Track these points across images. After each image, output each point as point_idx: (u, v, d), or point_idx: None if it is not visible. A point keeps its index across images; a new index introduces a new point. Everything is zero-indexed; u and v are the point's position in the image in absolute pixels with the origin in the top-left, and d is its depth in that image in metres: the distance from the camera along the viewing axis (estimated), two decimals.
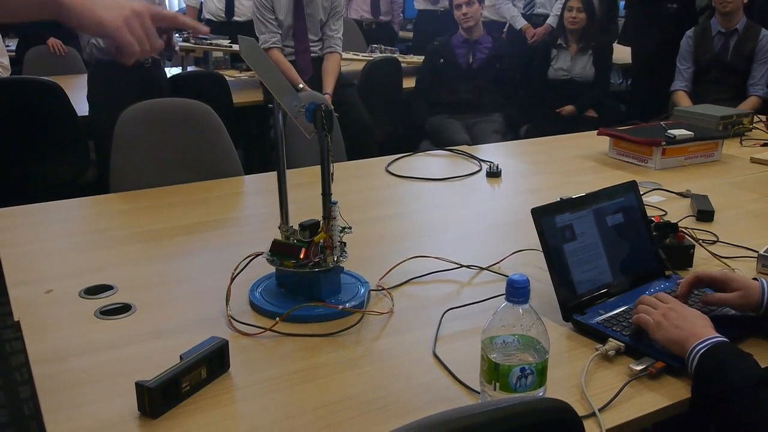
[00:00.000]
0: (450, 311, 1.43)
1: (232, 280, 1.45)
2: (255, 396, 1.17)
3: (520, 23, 5.68)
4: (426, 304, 1.48)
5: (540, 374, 1.08)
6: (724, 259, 1.69)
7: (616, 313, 1.38)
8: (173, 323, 1.39)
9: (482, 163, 2.53)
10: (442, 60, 4.60)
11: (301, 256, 1.41)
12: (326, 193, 1.40)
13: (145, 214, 2.03)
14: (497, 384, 1.07)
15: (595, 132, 2.78)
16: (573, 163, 2.60)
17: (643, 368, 1.21)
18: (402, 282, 1.57)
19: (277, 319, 1.36)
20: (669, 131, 2.55)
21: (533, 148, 2.96)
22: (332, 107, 1.42)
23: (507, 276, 1.09)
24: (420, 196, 2.24)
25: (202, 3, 6.32)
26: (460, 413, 0.80)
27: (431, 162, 2.66)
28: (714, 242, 1.80)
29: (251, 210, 2.20)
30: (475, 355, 1.12)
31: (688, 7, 5.09)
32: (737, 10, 4.21)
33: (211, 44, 5.12)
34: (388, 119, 4.69)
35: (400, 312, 1.45)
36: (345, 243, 1.46)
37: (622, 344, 1.27)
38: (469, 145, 3.33)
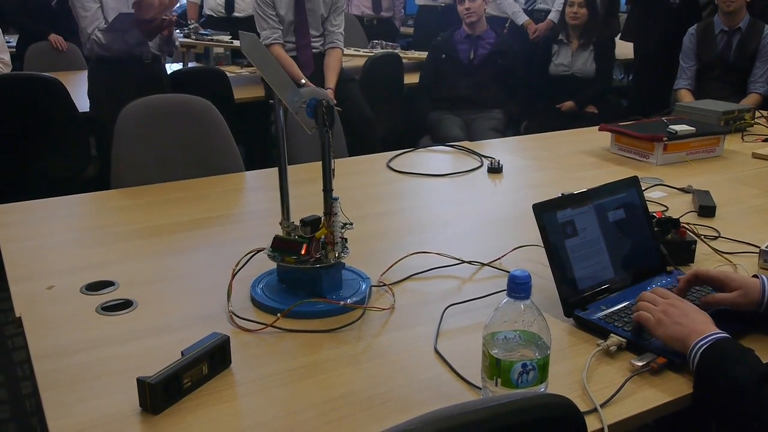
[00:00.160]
0: (451, 307, 1.43)
1: (234, 276, 1.45)
2: (256, 392, 1.17)
3: (522, 19, 5.67)
4: (427, 300, 1.48)
5: (541, 370, 1.08)
6: (725, 255, 1.69)
7: (618, 309, 1.38)
8: (174, 319, 1.39)
9: (483, 159, 2.52)
10: (443, 55, 4.60)
11: (303, 252, 1.41)
12: (327, 189, 1.40)
13: (147, 210, 2.03)
14: (499, 380, 1.07)
15: (597, 128, 2.77)
16: (574, 159, 2.59)
17: (645, 364, 1.21)
18: (403, 278, 1.57)
19: (279, 315, 1.36)
20: (670, 127, 2.55)
21: (534, 144, 2.96)
22: (334, 103, 1.42)
23: (508, 272, 1.09)
24: (421, 192, 2.24)
25: None
26: (461, 409, 0.80)
27: (432, 158, 2.65)
28: (716, 238, 1.80)
29: (252, 206, 2.20)
30: (476, 351, 1.12)
31: (690, 2, 5.08)
32: (740, 8, 4.20)
33: (212, 40, 5.11)
34: (390, 115, 4.68)
35: (401, 308, 1.45)
36: (346, 239, 1.46)
37: (624, 340, 1.27)
38: (464, 140, 3.34)
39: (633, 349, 1.27)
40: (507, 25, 5.84)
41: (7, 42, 4.50)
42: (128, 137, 2.35)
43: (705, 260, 1.66)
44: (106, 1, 3.47)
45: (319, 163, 1.40)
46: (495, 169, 2.40)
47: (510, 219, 1.98)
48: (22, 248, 1.74)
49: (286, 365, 1.24)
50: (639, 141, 2.54)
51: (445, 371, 1.23)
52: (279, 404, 1.13)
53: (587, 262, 1.43)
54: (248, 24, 4.76)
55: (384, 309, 1.44)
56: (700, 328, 1.20)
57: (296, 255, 1.42)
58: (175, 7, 3.66)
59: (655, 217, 1.65)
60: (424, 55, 5.03)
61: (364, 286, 1.49)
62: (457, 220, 1.97)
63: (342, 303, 1.41)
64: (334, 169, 1.40)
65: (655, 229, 1.61)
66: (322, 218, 1.43)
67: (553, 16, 5.53)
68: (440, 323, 1.38)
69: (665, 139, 2.47)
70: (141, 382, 1.09)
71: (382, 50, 5.32)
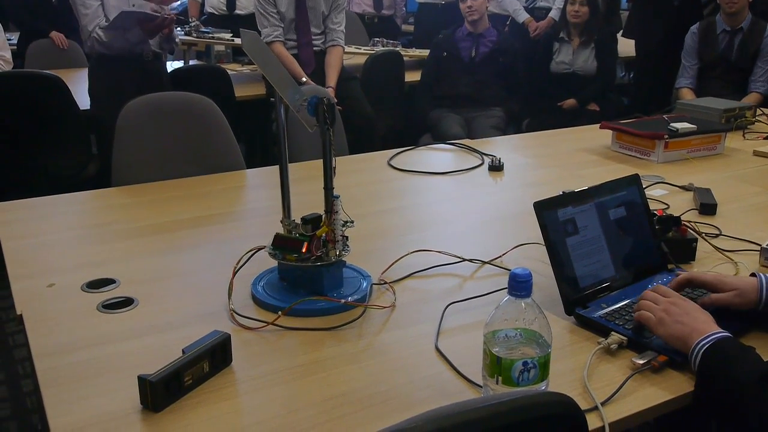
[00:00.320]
0: (452, 305, 1.43)
1: (235, 274, 1.45)
2: (257, 390, 1.17)
3: (523, 16, 5.67)
4: (428, 298, 1.48)
5: (542, 368, 1.08)
6: (726, 253, 1.69)
7: (619, 307, 1.38)
8: (175, 317, 1.39)
9: (484, 157, 2.52)
10: (445, 53, 4.59)
11: (304, 250, 1.41)
12: (328, 187, 1.40)
13: (148, 208, 2.03)
14: (499, 378, 1.07)
15: (598, 125, 2.77)
16: (575, 157, 2.59)
17: (646, 362, 1.21)
18: (404, 276, 1.57)
19: (280, 313, 1.36)
20: (671, 124, 2.54)
21: (535, 142, 2.96)
22: (335, 101, 1.42)
23: (509, 270, 1.09)
24: (422, 190, 2.24)
25: None
26: (462, 407, 0.80)
27: (433, 156, 2.65)
28: (717, 236, 1.80)
29: (253, 204, 2.20)
30: (477, 349, 1.12)
31: (691, 0, 5.07)
32: (743, 9, 4.19)
33: (213, 38, 5.11)
34: (391, 113, 4.68)
35: (402, 306, 1.45)
36: (347, 237, 1.46)
37: (625, 338, 1.27)
38: (464, 138, 3.33)
39: (634, 347, 1.27)
40: (508, 23, 5.84)
41: (8, 39, 4.50)
42: (129, 135, 2.35)
43: (706, 258, 1.66)
44: None
45: (320, 161, 1.40)
46: (496, 167, 2.40)
47: (511, 217, 1.98)
48: (23, 246, 1.74)
49: (287, 363, 1.24)
50: (640, 139, 2.54)
51: (446, 369, 1.23)
52: (280, 402, 1.13)
53: (588, 260, 1.43)
54: (249, 22, 4.75)
55: (385, 307, 1.44)
56: (702, 327, 1.19)
57: (297, 253, 1.42)
58: (176, 4, 3.65)
59: (656, 215, 1.65)
60: (425, 52, 5.02)
61: (364, 284, 1.49)
62: (458, 218, 1.97)
63: (343, 301, 1.41)
64: (335, 167, 1.40)
65: (656, 227, 1.61)
66: (323, 216, 1.43)
67: (553, 14, 5.53)
68: (441, 321, 1.38)
69: (666, 136, 2.47)
70: (142, 380, 1.09)
71: (383, 48, 5.32)
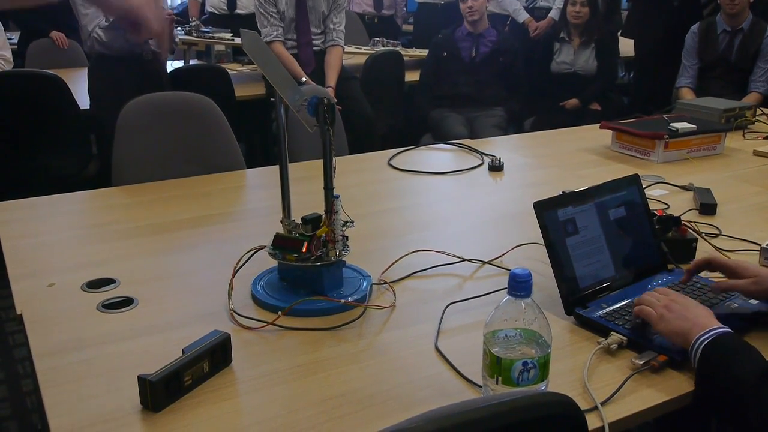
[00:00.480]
0: (452, 305, 1.43)
1: (235, 273, 1.45)
2: (257, 390, 1.17)
3: (523, 16, 5.67)
4: (428, 298, 1.48)
5: (542, 368, 1.08)
6: (726, 253, 1.69)
7: (619, 307, 1.38)
8: (175, 317, 1.39)
9: (484, 157, 2.52)
10: (445, 53, 4.59)
11: (303, 250, 1.41)
12: (328, 187, 1.40)
13: (148, 207, 2.03)
14: (499, 378, 1.07)
15: (597, 125, 2.77)
16: (575, 157, 2.59)
17: (646, 362, 1.21)
18: (404, 276, 1.57)
19: (280, 313, 1.36)
20: (671, 124, 2.54)
21: (535, 142, 2.96)
22: (335, 101, 1.42)
23: (509, 270, 1.09)
24: (422, 190, 2.24)
25: None
26: (462, 407, 0.80)
27: (433, 156, 2.65)
28: (717, 235, 1.80)
29: (253, 204, 2.20)
30: (477, 349, 1.12)
31: (690, 0, 5.07)
32: (743, 9, 4.19)
33: (213, 38, 5.10)
34: (391, 113, 4.68)
35: (402, 306, 1.45)
36: (347, 237, 1.46)
37: (625, 338, 1.27)
38: (467, 138, 3.33)
39: (634, 347, 1.27)
40: (508, 22, 5.83)
41: (9, 39, 4.50)
42: (129, 135, 2.35)
43: None
44: None
45: (320, 161, 1.40)
46: (496, 167, 2.40)
47: (511, 217, 1.98)
48: (23, 245, 1.74)
49: (287, 363, 1.24)
50: (640, 139, 2.54)
51: (446, 369, 1.23)
52: (280, 402, 1.13)
53: (588, 260, 1.43)
54: (250, 21, 4.75)
55: (385, 307, 1.44)
56: (702, 322, 1.19)
57: (297, 253, 1.42)
58: (176, 4, 3.66)
59: (656, 214, 1.65)
60: (425, 52, 5.01)
61: (364, 284, 1.49)
62: (458, 218, 1.97)
63: (343, 301, 1.41)
64: (335, 167, 1.40)
65: (656, 227, 1.61)
66: (323, 216, 1.43)
67: (553, 14, 5.52)
68: (441, 321, 1.38)
69: (666, 136, 2.47)
70: (142, 380, 1.09)
71: (383, 48, 5.32)
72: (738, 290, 1.35)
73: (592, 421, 1.08)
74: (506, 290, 1.08)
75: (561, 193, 1.54)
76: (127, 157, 2.33)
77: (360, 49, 5.34)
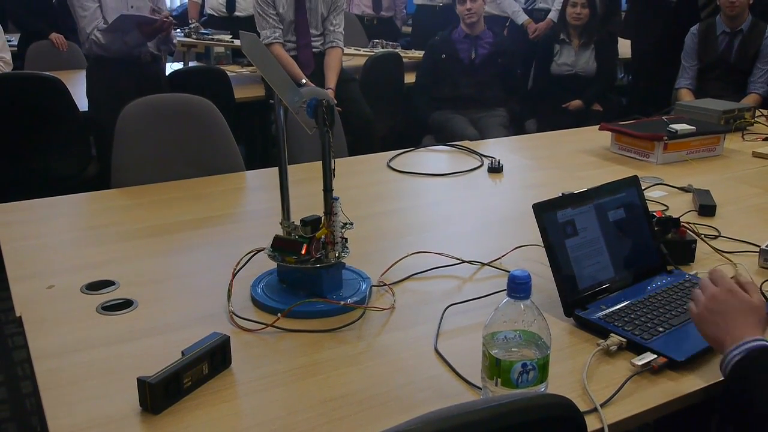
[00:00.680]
0: (451, 307, 1.43)
1: (234, 275, 1.45)
2: (256, 392, 1.17)
3: (522, 18, 5.67)
4: (427, 300, 1.48)
5: (541, 370, 1.08)
6: (725, 254, 1.69)
7: (618, 309, 1.38)
8: (175, 319, 1.39)
9: (484, 159, 2.52)
10: (444, 55, 4.59)
11: (303, 251, 1.41)
12: (328, 189, 1.40)
13: (147, 209, 2.03)
14: (499, 380, 1.07)
15: (597, 127, 2.77)
16: (574, 159, 2.59)
17: (645, 363, 1.21)
18: (403, 278, 1.57)
19: (279, 314, 1.36)
20: (671, 126, 2.55)
21: (534, 144, 2.96)
22: (335, 102, 1.42)
23: (508, 271, 1.09)
24: (421, 192, 2.24)
25: None
26: (461, 409, 0.80)
27: (433, 157, 2.65)
28: (716, 237, 1.80)
29: (253, 206, 2.20)
30: (476, 351, 1.12)
31: (688, 1, 5.07)
32: (743, 11, 4.20)
33: (212, 39, 5.11)
34: (390, 114, 4.68)
35: (401, 308, 1.45)
36: (346, 239, 1.46)
37: (624, 339, 1.27)
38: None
39: (633, 348, 1.27)
40: (507, 24, 5.84)
41: (8, 41, 4.50)
42: (129, 137, 2.35)
43: (705, 259, 1.67)
44: (106, 1, 3.48)
45: (320, 163, 1.40)
46: (495, 169, 2.40)
47: (510, 218, 1.98)
48: (22, 247, 1.74)
49: (287, 365, 1.24)
50: (639, 140, 2.54)
51: (445, 371, 1.23)
52: (279, 404, 1.13)
53: (587, 261, 1.43)
54: (249, 23, 4.75)
55: (384, 309, 1.44)
56: (738, 333, 1.10)
57: (296, 255, 1.42)
58: (176, 5, 3.67)
59: (656, 216, 1.65)
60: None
61: (364, 286, 1.49)
62: (458, 220, 1.97)
63: (342, 303, 1.41)
64: (334, 169, 1.40)
65: (656, 228, 1.61)
66: (323, 218, 1.43)
67: (552, 16, 5.52)
68: (440, 323, 1.38)
69: (665, 138, 2.47)
70: (141, 382, 1.09)
71: (382, 50, 5.32)
72: None
73: (592, 422, 1.08)
74: (506, 292, 1.08)
75: (560, 194, 1.54)
76: (126, 159, 2.33)
77: (359, 50, 5.34)
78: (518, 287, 1.06)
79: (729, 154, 2.64)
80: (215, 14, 5.99)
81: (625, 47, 5.48)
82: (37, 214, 1.98)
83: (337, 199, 1.41)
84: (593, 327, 1.34)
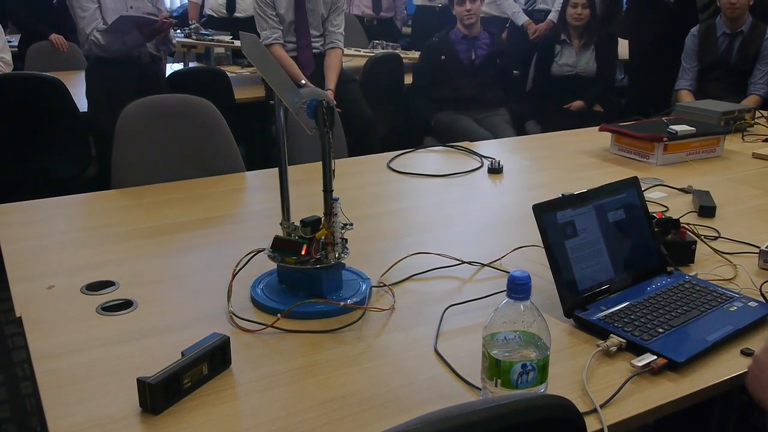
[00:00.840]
0: (451, 308, 1.43)
1: (234, 276, 1.45)
2: (256, 392, 1.17)
3: (522, 19, 5.67)
4: (427, 301, 1.48)
5: (541, 371, 1.08)
6: (725, 255, 1.69)
7: (618, 310, 1.38)
8: (175, 319, 1.39)
9: (484, 160, 2.53)
10: (443, 57, 4.59)
11: (303, 252, 1.41)
12: (328, 190, 1.40)
13: (147, 210, 2.03)
14: (498, 380, 1.07)
15: (597, 128, 2.77)
16: (574, 160, 2.60)
17: (645, 364, 1.21)
18: (403, 278, 1.57)
19: (279, 315, 1.36)
20: (670, 127, 2.55)
21: (534, 144, 2.96)
22: (335, 103, 1.43)
23: (508, 272, 1.09)
24: (421, 193, 2.24)
25: None
26: (461, 410, 0.80)
27: (433, 158, 2.65)
28: (716, 238, 1.80)
29: (253, 206, 2.20)
30: (476, 352, 1.12)
31: (685, 2, 5.07)
32: (744, 12, 4.20)
33: (212, 40, 5.11)
34: (390, 115, 4.68)
35: (401, 308, 1.45)
36: (346, 239, 1.46)
37: (624, 340, 1.27)
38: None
39: (633, 349, 1.27)
40: (507, 25, 5.84)
41: (8, 41, 4.51)
42: (129, 137, 2.35)
43: (705, 261, 1.66)
44: (105, 1, 3.48)
45: (320, 164, 1.40)
46: (495, 170, 2.40)
47: (510, 219, 1.98)
48: (22, 248, 1.74)
49: (286, 366, 1.24)
50: (639, 141, 2.54)
51: (445, 372, 1.23)
52: (279, 405, 1.13)
53: (587, 262, 1.43)
54: (249, 24, 4.76)
55: (384, 309, 1.44)
56: None
57: (296, 255, 1.42)
58: (176, 6, 3.68)
59: (655, 217, 1.65)
60: None
61: (364, 287, 1.49)
62: (458, 221, 1.97)
63: (342, 303, 1.41)
64: (334, 170, 1.40)
65: (655, 229, 1.61)
66: (323, 219, 1.43)
67: (553, 17, 5.53)
68: (440, 324, 1.38)
69: (665, 139, 2.47)
70: (141, 383, 1.09)
71: (382, 50, 5.32)
72: None
73: (592, 423, 1.08)
74: (505, 293, 1.08)
75: (560, 195, 1.54)
76: (126, 159, 2.33)
77: (359, 51, 5.34)
78: (518, 288, 1.06)
79: (729, 155, 2.64)
80: (215, 15, 6.00)
81: (623, 48, 5.48)
82: (37, 215, 1.98)
83: (337, 199, 1.41)
84: (593, 328, 1.34)
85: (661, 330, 1.31)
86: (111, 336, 1.33)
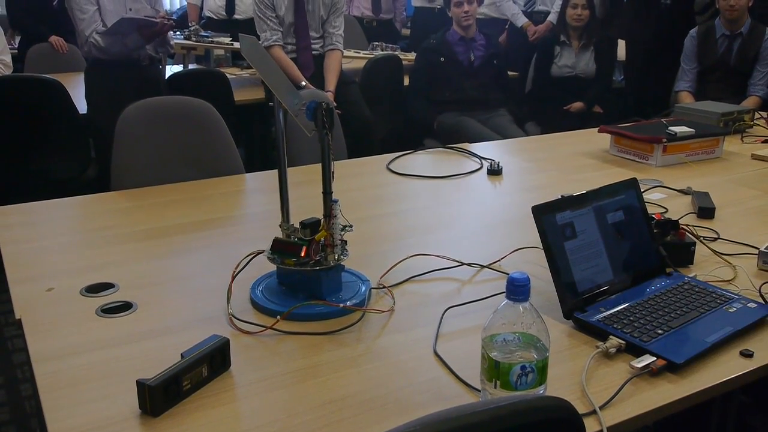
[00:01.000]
0: (451, 309, 1.44)
1: (233, 278, 1.45)
2: (256, 394, 1.17)
3: (521, 21, 5.67)
4: (427, 302, 1.48)
5: (540, 372, 1.08)
6: (724, 256, 1.69)
7: (617, 311, 1.38)
8: (174, 321, 1.39)
9: (483, 161, 2.53)
10: (442, 58, 4.59)
11: (302, 254, 1.41)
12: (327, 191, 1.40)
13: (147, 212, 2.03)
14: (498, 382, 1.07)
15: (596, 129, 2.78)
16: (574, 161, 2.60)
17: (644, 366, 1.21)
18: (403, 280, 1.57)
19: (278, 317, 1.36)
20: (670, 128, 2.55)
21: (534, 146, 2.96)
22: (334, 105, 1.43)
23: (507, 274, 1.09)
24: (421, 194, 2.24)
25: (202, 0, 6.31)
26: (460, 411, 0.80)
27: (432, 160, 2.65)
28: (715, 239, 1.80)
29: (252, 208, 2.20)
30: (475, 353, 1.12)
31: (682, 3, 5.08)
32: (743, 14, 4.20)
33: (212, 42, 5.12)
34: (390, 117, 4.69)
35: (400, 310, 1.45)
36: (346, 241, 1.46)
37: (623, 342, 1.27)
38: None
39: (632, 350, 1.27)
40: (507, 27, 5.84)
41: (8, 44, 4.51)
42: (128, 139, 2.36)
43: (704, 262, 1.67)
44: (104, 3, 3.48)
45: (319, 165, 1.40)
46: (494, 171, 2.40)
47: (509, 221, 1.98)
48: (22, 250, 1.74)
49: (286, 367, 1.24)
50: (638, 143, 2.54)
51: (445, 373, 1.23)
52: (279, 406, 1.13)
53: (586, 264, 1.43)
54: (248, 26, 4.76)
55: (383, 311, 1.44)
56: None
57: (296, 257, 1.42)
58: (175, 8, 3.69)
59: (655, 218, 1.65)
60: None
61: (363, 289, 1.49)
62: (457, 222, 1.98)
63: (341, 305, 1.41)
64: (333, 172, 1.40)
65: (655, 230, 1.61)
66: (322, 220, 1.43)
67: (552, 18, 5.53)
68: (439, 325, 1.38)
69: (664, 140, 2.48)
70: (141, 385, 1.09)
71: (382, 52, 5.32)
72: None
73: (591, 425, 1.08)
74: (505, 294, 1.08)
75: (559, 197, 1.54)
76: (126, 161, 2.33)
77: (359, 53, 5.35)
78: (517, 289, 1.07)
79: (728, 156, 2.64)
80: (214, 17, 6.00)
81: (620, 48, 5.48)
82: (37, 217, 1.98)
83: (336, 201, 1.41)
84: (592, 329, 1.34)
85: (660, 331, 1.31)
86: (111, 338, 1.33)
